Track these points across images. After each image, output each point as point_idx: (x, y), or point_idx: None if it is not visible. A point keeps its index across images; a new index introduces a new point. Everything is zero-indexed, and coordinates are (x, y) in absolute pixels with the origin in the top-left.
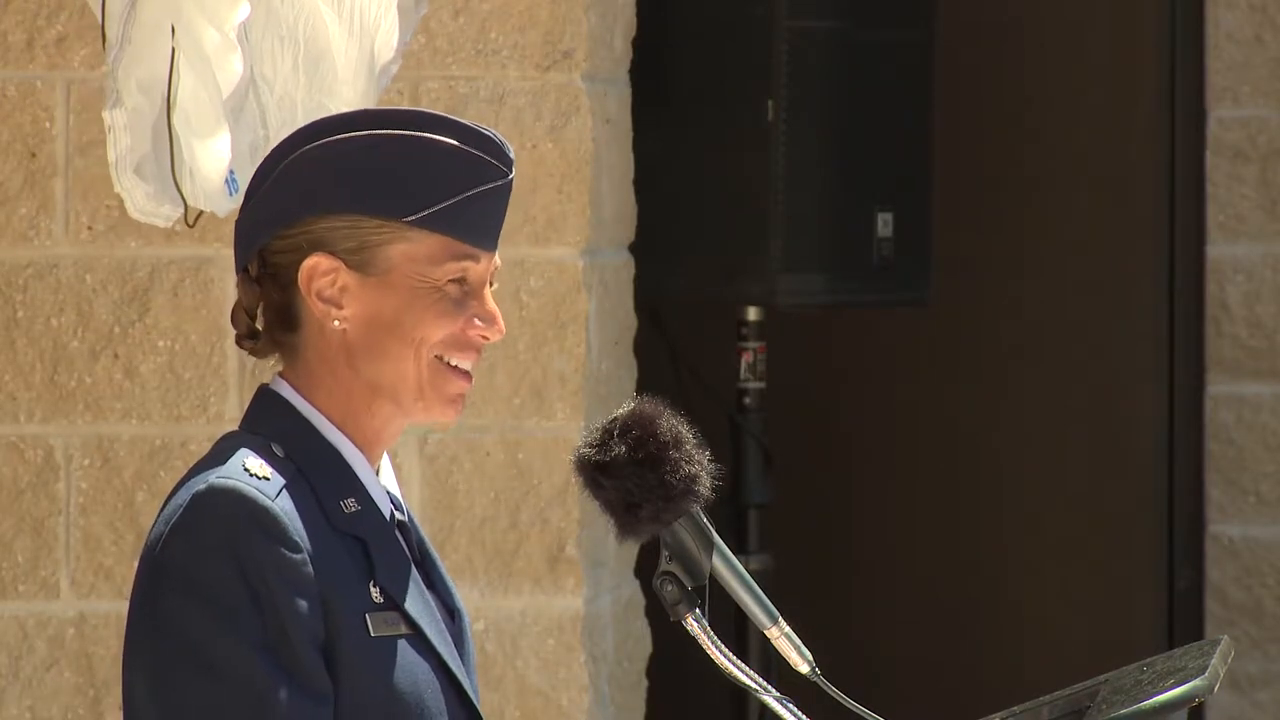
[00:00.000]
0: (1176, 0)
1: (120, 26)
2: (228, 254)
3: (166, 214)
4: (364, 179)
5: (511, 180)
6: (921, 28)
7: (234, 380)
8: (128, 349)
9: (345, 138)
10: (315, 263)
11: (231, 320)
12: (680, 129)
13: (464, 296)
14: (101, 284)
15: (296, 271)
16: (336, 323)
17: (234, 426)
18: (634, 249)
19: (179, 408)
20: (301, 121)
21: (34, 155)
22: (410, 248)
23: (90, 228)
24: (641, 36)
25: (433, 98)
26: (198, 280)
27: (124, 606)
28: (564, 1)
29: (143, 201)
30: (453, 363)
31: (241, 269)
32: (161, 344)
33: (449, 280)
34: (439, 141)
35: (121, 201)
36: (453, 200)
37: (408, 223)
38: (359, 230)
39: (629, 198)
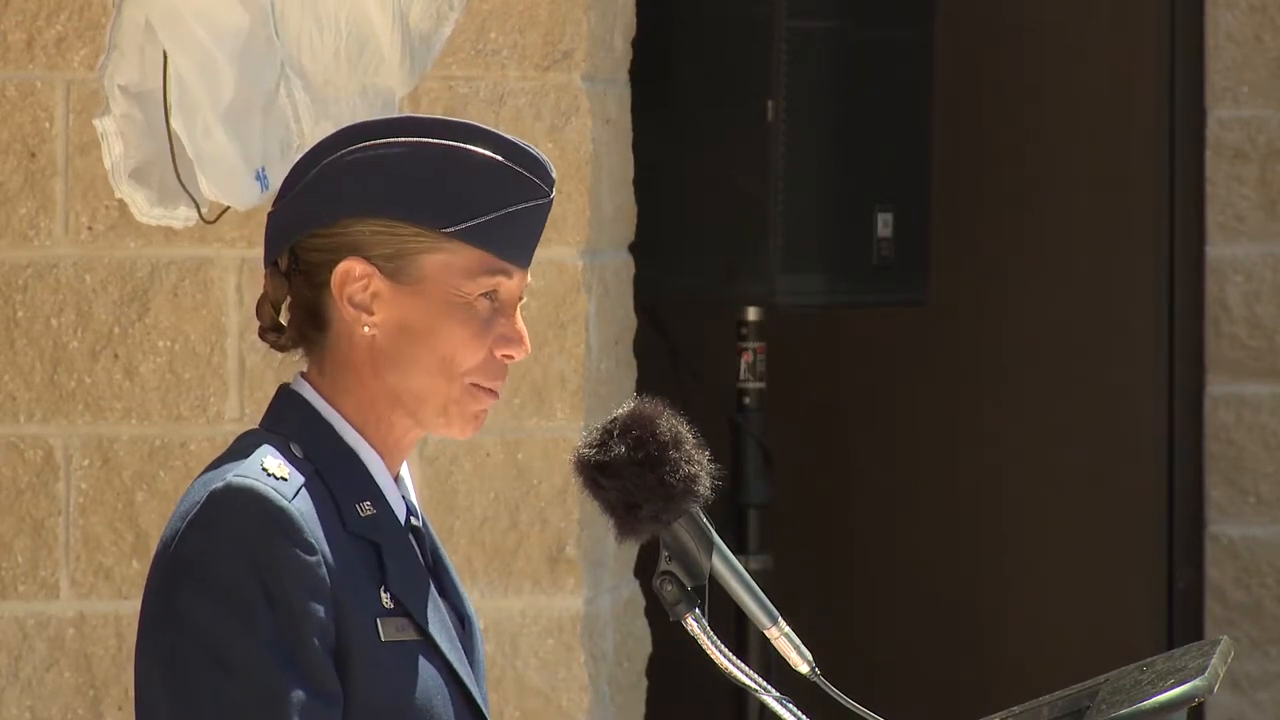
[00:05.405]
0: (1176, 0)
1: (109, 34)
2: (228, 254)
3: (183, 215)
4: (405, 186)
5: (552, 200)
6: (921, 28)
7: (234, 380)
8: (128, 349)
9: (388, 143)
10: (349, 267)
11: (256, 312)
12: (680, 129)
13: (493, 314)
14: (101, 284)
15: (330, 272)
16: (366, 329)
17: (234, 426)
18: (634, 249)
19: (179, 408)
20: (343, 106)
21: (34, 155)
22: (446, 259)
23: (90, 228)
24: (641, 36)
25: (432, 98)
26: (198, 280)
27: (124, 606)
28: (564, 1)
29: (145, 205)
30: (485, 386)
31: (271, 262)
32: (161, 344)
33: (480, 295)
34: (483, 155)
35: (122, 201)
36: (493, 215)
37: (446, 234)
38: (396, 237)
39: (629, 198)
